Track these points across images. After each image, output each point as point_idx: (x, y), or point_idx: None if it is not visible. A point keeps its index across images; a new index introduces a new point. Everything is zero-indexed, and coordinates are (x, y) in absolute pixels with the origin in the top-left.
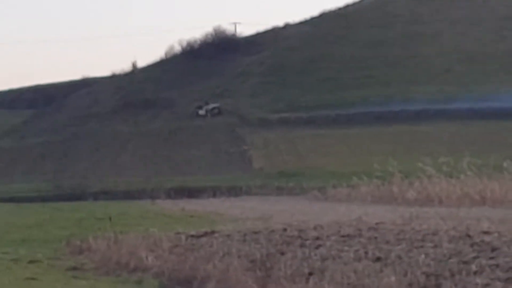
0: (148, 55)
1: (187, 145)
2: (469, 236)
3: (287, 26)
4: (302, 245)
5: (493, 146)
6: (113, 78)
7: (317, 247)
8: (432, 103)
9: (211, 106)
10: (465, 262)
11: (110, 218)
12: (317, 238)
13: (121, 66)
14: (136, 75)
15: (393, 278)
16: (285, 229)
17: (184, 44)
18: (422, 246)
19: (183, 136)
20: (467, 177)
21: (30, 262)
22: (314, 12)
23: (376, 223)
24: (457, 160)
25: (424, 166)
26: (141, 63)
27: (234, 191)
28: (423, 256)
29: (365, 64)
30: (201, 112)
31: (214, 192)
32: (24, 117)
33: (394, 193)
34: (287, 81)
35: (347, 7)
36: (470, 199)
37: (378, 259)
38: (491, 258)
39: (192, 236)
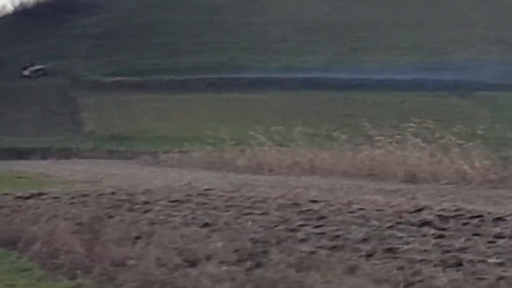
0: None
1: (17, 105)
2: (297, 204)
3: None
4: (130, 209)
5: (324, 116)
6: None
7: (146, 211)
8: (266, 71)
9: (36, 67)
10: (292, 230)
11: None
12: (146, 203)
13: None
14: None
15: (220, 244)
16: (113, 193)
17: (17, 3)
18: (250, 213)
19: (13, 96)
20: (298, 146)
21: None
22: None
23: (206, 189)
24: (289, 129)
25: (255, 134)
26: None
27: (64, 153)
28: (250, 223)
29: (199, 30)
30: (26, 72)
31: (44, 154)
32: None
33: (225, 160)
34: (122, 44)
35: None
36: (300, 168)
37: (206, 224)
38: (318, 226)
39: (19, 197)
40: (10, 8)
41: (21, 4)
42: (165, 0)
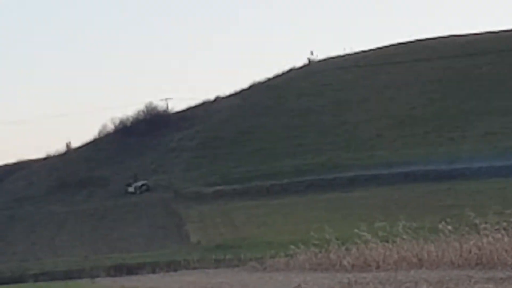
0: (82, 134)
1: (123, 222)
2: None
3: (217, 100)
4: None
5: (427, 209)
6: (48, 159)
7: None
8: (365, 169)
9: (139, 183)
10: None
11: None
12: None
13: (56, 147)
14: (70, 156)
15: None
16: None
17: (117, 122)
18: None
19: (119, 213)
20: (403, 241)
21: None
22: (244, 84)
23: None
24: (392, 224)
25: (360, 231)
26: (75, 143)
27: (173, 266)
28: None
29: (296, 133)
30: (130, 189)
31: (153, 267)
32: None
33: (331, 260)
34: (219, 154)
35: (275, 78)
36: (407, 262)
37: None
38: None
39: None
40: (110, 126)
41: (121, 122)
42: (258, 107)
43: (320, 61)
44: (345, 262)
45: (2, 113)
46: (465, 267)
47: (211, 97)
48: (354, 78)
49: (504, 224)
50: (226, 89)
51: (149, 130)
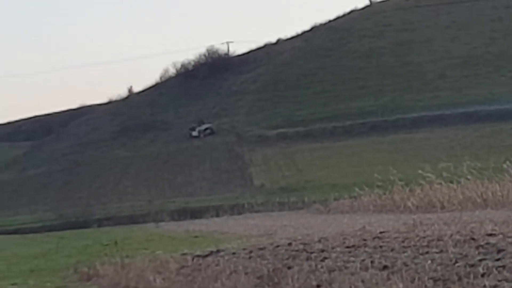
0: (143, 79)
1: (187, 166)
2: (474, 239)
3: (279, 42)
4: (308, 258)
5: (491, 149)
6: (110, 104)
7: (323, 259)
8: (428, 109)
9: (203, 126)
10: (472, 265)
11: (116, 243)
12: (323, 251)
13: (118, 92)
14: (132, 100)
15: (401, 285)
16: (290, 244)
17: (179, 66)
18: (427, 252)
19: (183, 157)
20: (468, 181)
21: None
22: (306, 26)
23: (380, 232)
24: (456, 164)
25: (424, 172)
26: (137, 88)
27: (236, 209)
28: (429, 262)
29: (358, 74)
30: (194, 133)
31: (217, 211)
32: (24, 149)
33: (396, 202)
34: (282, 96)
35: (337, 19)
36: (472, 203)
37: (385, 267)
38: (497, 259)
39: (198, 256)
40: (172, 71)
41: (182, 66)
42: (320, 49)
43: (381, 1)
44: (409, 204)
45: (65, 58)
46: None
47: (273, 39)
48: (416, 19)
49: None
50: (288, 32)
51: (211, 73)
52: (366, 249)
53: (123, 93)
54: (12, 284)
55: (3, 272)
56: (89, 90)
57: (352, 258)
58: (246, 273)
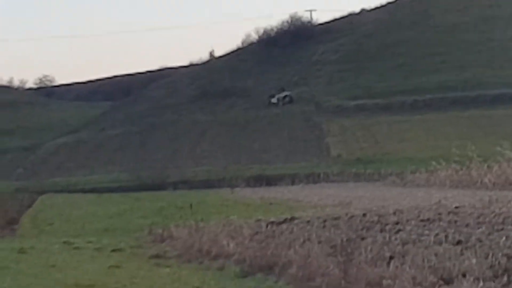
0: (225, 44)
1: (264, 133)
2: None
3: (362, 13)
4: (382, 230)
5: None
6: (191, 67)
7: (397, 231)
8: (509, 87)
9: (283, 94)
10: None
11: (191, 206)
12: (397, 223)
13: (199, 55)
14: (213, 64)
15: (474, 261)
16: (364, 215)
17: (261, 32)
18: (502, 229)
19: (260, 124)
20: None
21: (113, 250)
22: None
23: (456, 207)
24: None
25: (502, 149)
26: (218, 52)
27: (312, 178)
28: (504, 238)
29: (440, 49)
30: (273, 100)
31: (293, 179)
32: (102, 109)
33: (473, 177)
34: (362, 68)
35: None
36: None
37: (459, 242)
38: None
39: (272, 223)
40: (254, 36)
41: (264, 32)
42: (403, 21)
43: None
44: (486, 180)
45: (146, 20)
46: None
47: (356, 9)
48: None
49: None
50: (371, 2)
51: (293, 41)
52: (441, 223)
53: (204, 57)
54: (88, 242)
55: (78, 230)
56: (170, 52)
57: (426, 232)
58: (319, 242)
